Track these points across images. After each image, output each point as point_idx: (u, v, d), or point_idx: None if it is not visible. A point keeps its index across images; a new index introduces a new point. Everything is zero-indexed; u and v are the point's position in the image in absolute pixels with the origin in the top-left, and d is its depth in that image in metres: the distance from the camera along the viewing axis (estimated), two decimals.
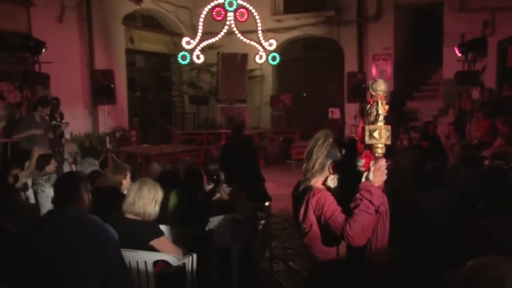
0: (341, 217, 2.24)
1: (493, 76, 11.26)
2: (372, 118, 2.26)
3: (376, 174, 2.23)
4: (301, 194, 2.43)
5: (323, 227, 2.34)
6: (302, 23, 13.78)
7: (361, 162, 2.26)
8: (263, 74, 14.52)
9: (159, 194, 3.50)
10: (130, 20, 12.89)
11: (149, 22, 13.86)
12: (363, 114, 2.33)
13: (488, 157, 8.25)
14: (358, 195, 2.21)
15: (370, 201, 2.18)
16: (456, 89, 10.55)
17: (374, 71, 13.13)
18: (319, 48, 14.57)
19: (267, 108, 14.18)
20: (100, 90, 10.19)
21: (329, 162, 2.40)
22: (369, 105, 2.30)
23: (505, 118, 8.96)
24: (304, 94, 13.13)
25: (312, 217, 2.34)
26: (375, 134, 2.23)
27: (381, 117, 2.26)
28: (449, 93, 11.69)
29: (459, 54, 9.27)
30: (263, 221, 5.44)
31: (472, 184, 4.82)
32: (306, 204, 2.35)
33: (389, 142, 2.27)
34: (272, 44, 12.78)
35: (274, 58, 12.83)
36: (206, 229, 4.37)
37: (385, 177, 2.27)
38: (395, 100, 11.35)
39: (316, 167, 2.41)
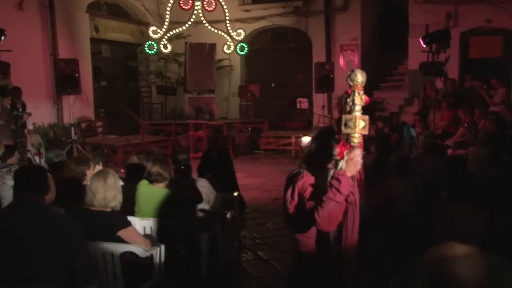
0: (313, 203, 2.33)
1: (456, 67, 11.54)
2: (348, 108, 2.30)
3: (349, 163, 2.27)
4: (292, 177, 2.52)
5: (304, 209, 2.40)
6: (270, 13, 13.77)
7: (336, 151, 2.29)
8: (231, 64, 14.45)
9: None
10: (95, 8, 12.58)
11: (115, 10, 13.55)
12: (341, 104, 2.41)
13: (451, 146, 8.47)
14: (328, 183, 2.26)
15: (338, 189, 2.22)
16: (421, 80, 10.77)
17: (341, 61, 13.25)
18: (287, 39, 14.59)
19: (236, 98, 14.15)
20: (64, 79, 9.95)
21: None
22: (347, 95, 2.34)
23: (467, 108, 9.21)
24: (273, 85, 13.14)
25: (296, 198, 2.43)
26: (350, 123, 2.27)
27: (357, 107, 2.30)
28: (414, 84, 11.92)
29: (424, 45, 9.44)
30: (232, 211, 5.44)
31: (437, 173, 4.94)
32: (293, 186, 2.44)
33: (365, 132, 2.31)
34: (240, 34, 12.73)
35: (242, 48, 12.79)
36: (175, 219, 4.33)
37: (359, 167, 2.30)
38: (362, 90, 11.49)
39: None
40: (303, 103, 12.56)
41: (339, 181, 2.23)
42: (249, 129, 12.73)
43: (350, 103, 2.31)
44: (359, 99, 2.31)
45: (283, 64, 14.13)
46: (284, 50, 14.51)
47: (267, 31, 14.67)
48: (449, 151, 7.89)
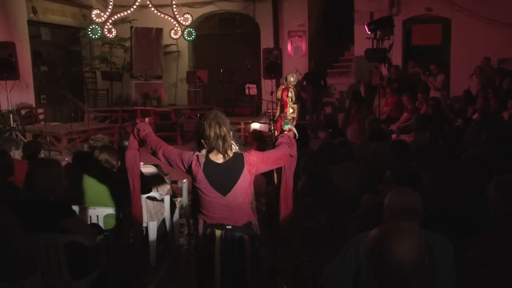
0: (278, 148, 3.07)
1: (399, 54, 11.89)
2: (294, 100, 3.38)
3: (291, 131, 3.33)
4: (233, 162, 2.82)
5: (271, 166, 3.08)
6: None
7: (289, 124, 3.28)
8: (178, 50, 14.22)
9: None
10: None
11: None
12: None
13: (395, 131, 8.76)
14: (287, 136, 3.17)
15: (290, 139, 3.17)
16: (367, 66, 11.02)
17: (289, 47, 13.34)
18: (235, 24, 14.50)
19: (184, 84, 13.95)
20: (0, 64, 9.41)
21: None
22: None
23: (410, 94, 9.54)
24: (221, 70, 13.04)
25: (253, 173, 2.86)
26: (294, 110, 3.38)
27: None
28: (360, 70, 12.20)
29: (369, 32, 9.63)
30: (181, 198, 5.40)
31: (381, 158, 5.10)
32: (250, 164, 2.82)
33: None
34: (187, 19, 12.51)
35: (189, 34, 12.58)
36: (122, 207, 4.25)
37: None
38: (311, 76, 11.64)
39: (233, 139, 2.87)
40: (251, 89, 12.56)
41: (289, 138, 3.18)
42: (198, 115, 12.60)
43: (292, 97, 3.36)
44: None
45: (231, 50, 14.05)
46: (232, 36, 14.43)
47: (215, 16, 14.51)
48: (393, 136, 8.16)
